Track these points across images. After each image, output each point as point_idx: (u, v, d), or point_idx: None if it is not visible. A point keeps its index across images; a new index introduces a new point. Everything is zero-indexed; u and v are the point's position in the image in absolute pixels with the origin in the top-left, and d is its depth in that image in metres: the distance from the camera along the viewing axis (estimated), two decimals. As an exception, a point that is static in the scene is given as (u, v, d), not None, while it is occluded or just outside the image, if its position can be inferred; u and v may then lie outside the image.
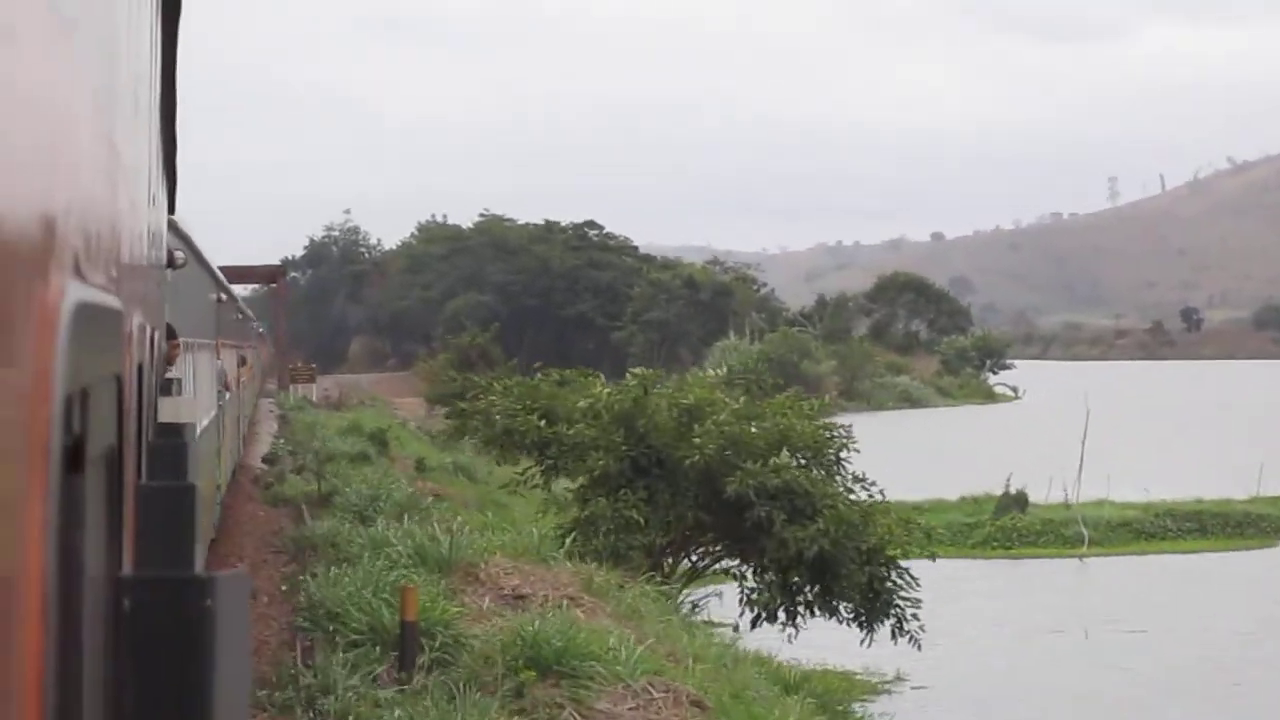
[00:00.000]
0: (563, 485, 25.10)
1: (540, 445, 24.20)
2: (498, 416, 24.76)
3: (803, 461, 23.04)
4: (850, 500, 22.85)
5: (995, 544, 41.66)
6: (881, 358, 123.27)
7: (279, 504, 27.10)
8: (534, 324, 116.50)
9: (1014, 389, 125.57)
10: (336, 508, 24.11)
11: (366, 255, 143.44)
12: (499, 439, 24.95)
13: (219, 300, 24.30)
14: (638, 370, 25.69)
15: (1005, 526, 42.32)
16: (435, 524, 19.58)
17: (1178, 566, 39.49)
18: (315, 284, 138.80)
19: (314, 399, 71.35)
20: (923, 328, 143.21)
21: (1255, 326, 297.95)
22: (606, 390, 24.28)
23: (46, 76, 1.56)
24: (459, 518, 22.70)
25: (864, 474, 23.73)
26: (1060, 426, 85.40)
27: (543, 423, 24.02)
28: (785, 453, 22.53)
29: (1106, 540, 42.05)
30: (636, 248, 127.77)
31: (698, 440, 22.60)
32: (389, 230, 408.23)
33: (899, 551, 22.85)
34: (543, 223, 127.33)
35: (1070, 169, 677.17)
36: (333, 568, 16.81)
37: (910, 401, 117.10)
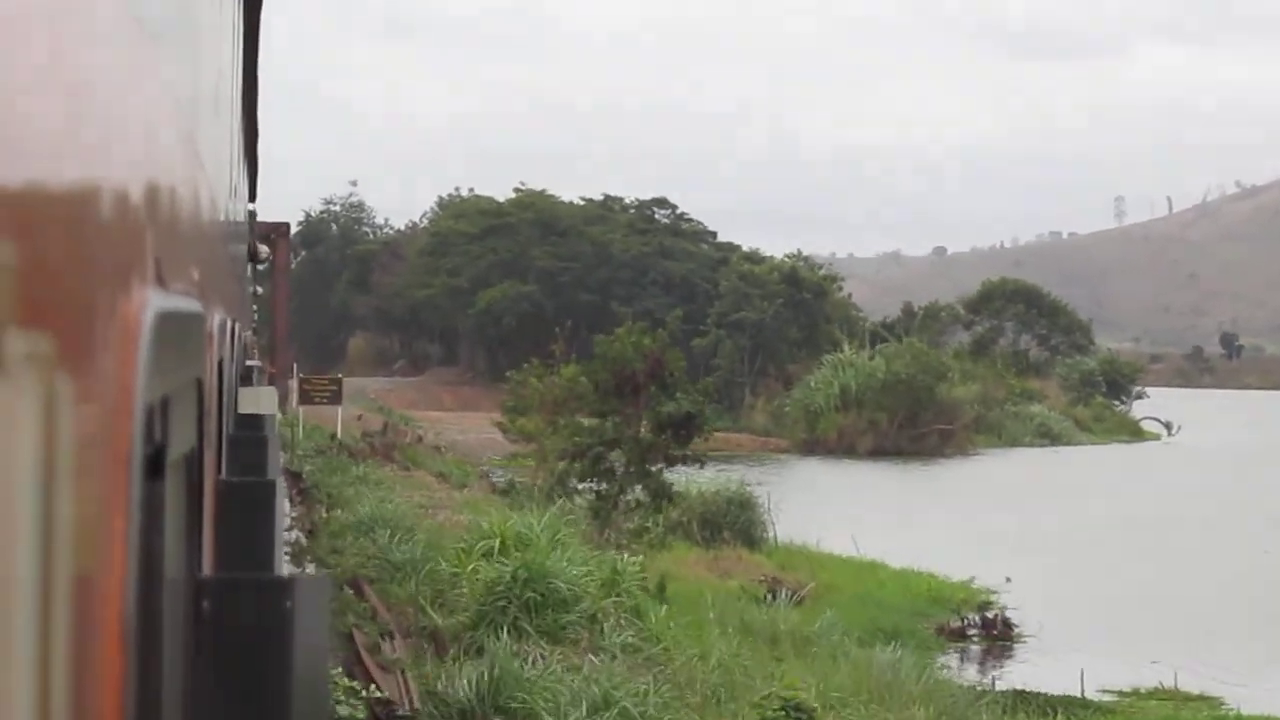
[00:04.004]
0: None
1: None
2: None
3: None
4: None
5: None
6: (1014, 383, 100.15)
7: None
8: (588, 324, 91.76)
9: (1167, 424, 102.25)
10: None
11: (373, 235, 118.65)
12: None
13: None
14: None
15: None
16: None
17: None
18: (309, 268, 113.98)
19: (338, 434, 44.57)
20: (1032, 345, 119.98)
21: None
22: None
23: (129, 86, 1.53)
24: None
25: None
26: None
27: None
28: None
29: None
30: (715, 233, 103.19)
31: None
32: (399, 212, 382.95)
33: None
34: (601, 198, 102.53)
35: (1072, 189, 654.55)
36: None
37: (1050, 437, 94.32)
